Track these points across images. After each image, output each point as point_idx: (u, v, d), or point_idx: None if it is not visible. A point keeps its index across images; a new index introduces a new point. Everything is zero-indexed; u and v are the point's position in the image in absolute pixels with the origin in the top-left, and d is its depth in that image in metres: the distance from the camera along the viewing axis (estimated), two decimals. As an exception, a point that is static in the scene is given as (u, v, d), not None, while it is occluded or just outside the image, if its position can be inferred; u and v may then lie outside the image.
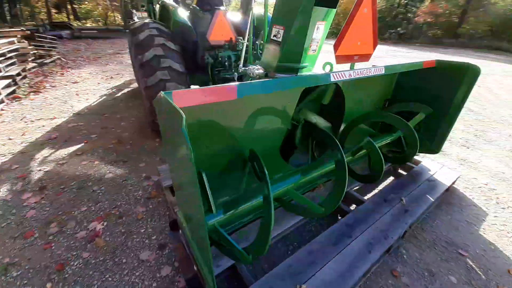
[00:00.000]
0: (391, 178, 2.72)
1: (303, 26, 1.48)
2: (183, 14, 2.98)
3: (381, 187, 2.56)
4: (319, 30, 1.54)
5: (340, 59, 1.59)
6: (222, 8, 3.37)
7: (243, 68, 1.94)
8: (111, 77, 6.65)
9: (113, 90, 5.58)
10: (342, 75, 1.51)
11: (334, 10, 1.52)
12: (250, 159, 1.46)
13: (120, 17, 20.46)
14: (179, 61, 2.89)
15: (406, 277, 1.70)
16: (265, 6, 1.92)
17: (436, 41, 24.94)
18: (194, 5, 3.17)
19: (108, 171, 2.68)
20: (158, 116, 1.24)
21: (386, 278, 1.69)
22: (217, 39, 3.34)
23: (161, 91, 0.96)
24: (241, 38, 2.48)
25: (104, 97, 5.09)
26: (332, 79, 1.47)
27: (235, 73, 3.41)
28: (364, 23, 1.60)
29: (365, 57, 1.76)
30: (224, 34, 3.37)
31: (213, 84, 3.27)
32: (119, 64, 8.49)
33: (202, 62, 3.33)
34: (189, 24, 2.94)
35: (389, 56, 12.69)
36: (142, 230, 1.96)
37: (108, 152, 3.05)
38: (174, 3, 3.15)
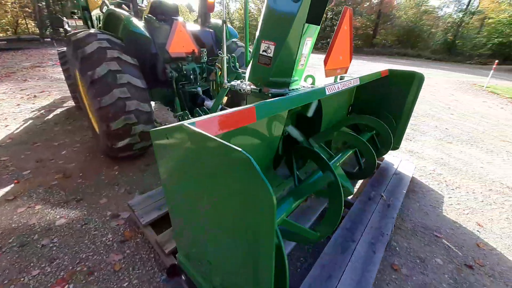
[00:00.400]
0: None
1: (295, 42, 1.47)
2: (138, 23, 2.66)
3: (357, 185, 2.75)
4: (307, 45, 1.57)
5: (328, 73, 1.64)
6: (179, 18, 3.16)
7: (229, 84, 1.82)
8: (35, 96, 5.50)
9: (41, 111, 4.61)
10: (333, 88, 1.56)
11: (319, 27, 1.57)
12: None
13: (34, 24, 17.28)
14: (139, 75, 2.56)
15: (404, 268, 1.83)
16: (246, 22, 1.85)
17: (357, 50, 29.07)
18: (149, 15, 2.87)
19: (58, 216, 2.15)
20: (160, 150, 1.01)
21: (389, 273, 1.78)
22: (178, 51, 3.10)
23: (182, 123, 0.78)
24: (220, 52, 2.33)
25: (30, 121, 4.14)
26: (327, 92, 1.50)
27: (199, 87, 3.22)
28: (344, 39, 1.70)
29: (345, 69, 1.87)
30: (185, 46, 3.16)
31: (179, 99, 3.01)
32: (42, 79, 7.11)
33: (163, 75, 3.03)
34: (147, 34, 2.64)
35: (327, 63, 14.12)
36: (125, 285, 1.61)
37: (52, 191, 2.45)
38: (124, 11, 2.79)
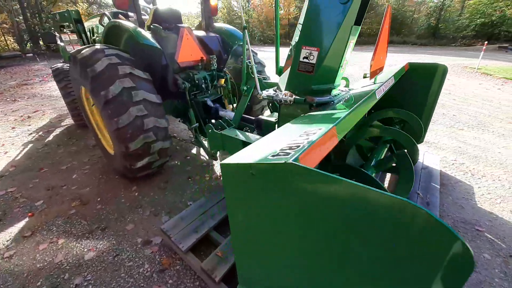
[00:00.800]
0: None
1: (340, 46, 1.38)
2: (146, 35, 2.51)
3: (385, 183, 2.70)
4: (350, 48, 1.47)
5: (372, 74, 1.56)
6: (185, 25, 3.01)
7: (265, 94, 1.71)
8: (29, 117, 5.22)
9: (39, 133, 4.37)
10: (381, 91, 1.48)
11: (360, 27, 1.48)
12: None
13: (13, 40, 16.51)
14: (153, 90, 2.42)
15: (458, 270, 1.78)
16: (277, 27, 1.72)
17: (345, 40, 29.23)
18: (155, 24, 2.70)
19: (85, 249, 2.00)
20: (236, 184, 0.87)
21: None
22: (187, 60, 2.96)
23: (286, 161, 0.67)
24: (246, 59, 2.16)
25: (30, 145, 3.92)
26: (377, 96, 1.43)
27: (209, 97, 3.08)
28: (384, 39, 1.62)
29: (382, 69, 1.80)
30: (193, 54, 3.02)
31: (193, 110, 2.87)
32: (32, 98, 6.79)
33: (174, 87, 2.88)
34: (158, 46, 2.49)
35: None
36: (178, 319, 1.50)
37: (72, 222, 2.30)
38: (129, 23, 2.62)
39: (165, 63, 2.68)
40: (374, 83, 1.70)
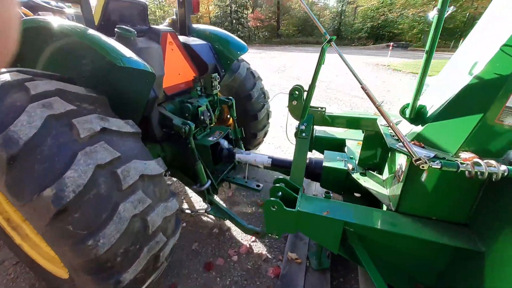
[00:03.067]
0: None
1: None
2: (123, 48, 1.27)
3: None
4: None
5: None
6: (166, 27, 1.89)
7: (404, 149, 0.96)
8: None
9: None
10: None
11: None
12: None
13: None
14: (146, 151, 1.30)
15: None
16: None
17: (267, 41, 30.61)
18: (122, 26, 1.46)
19: None
20: None
21: None
22: (175, 83, 1.89)
23: None
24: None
25: None
26: None
27: (215, 136, 2.02)
28: None
29: None
30: (182, 73, 1.95)
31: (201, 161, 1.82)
32: None
33: (159, 130, 1.75)
34: (151, 69, 1.30)
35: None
36: None
37: None
38: (68, 22, 1.30)
39: (153, 96, 1.55)
40: None
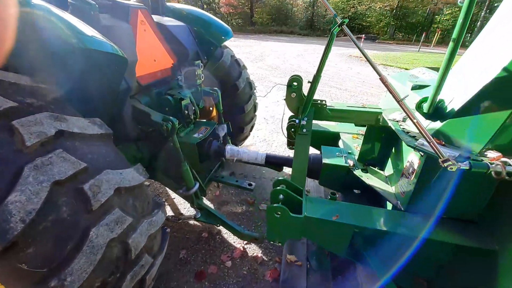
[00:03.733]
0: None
1: None
2: (81, 23, 0.96)
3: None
4: None
5: None
6: (135, 3, 1.56)
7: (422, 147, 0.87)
8: None
9: None
10: None
11: None
12: None
13: None
14: (121, 157, 1.05)
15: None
16: None
17: (241, 28, 29.70)
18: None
19: None
20: None
21: None
22: (150, 71, 1.60)
23: None
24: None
25: None
26: None
27: (197, 132, 1.81)
28: None
29: None
30: (158, 59, 1.66)
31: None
32: None
33: (134, 128, 1.48)
34: (121, 53, 1.01)
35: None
36: None
37: None
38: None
39: (125, 87, 1.26)
40: None
